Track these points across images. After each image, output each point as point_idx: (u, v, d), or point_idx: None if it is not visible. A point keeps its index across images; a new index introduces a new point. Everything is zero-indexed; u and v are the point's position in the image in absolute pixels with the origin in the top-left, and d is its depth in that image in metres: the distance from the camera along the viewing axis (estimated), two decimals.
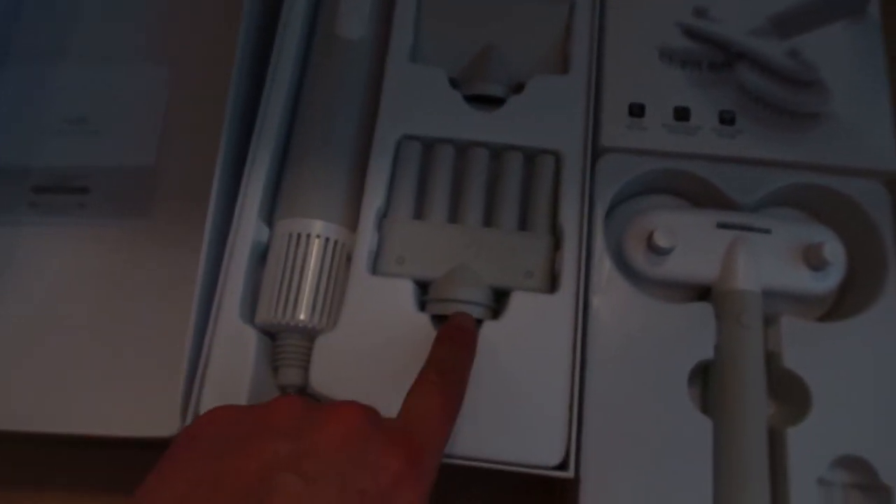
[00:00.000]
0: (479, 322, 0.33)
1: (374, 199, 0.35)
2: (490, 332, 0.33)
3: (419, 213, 0.36)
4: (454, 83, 0.39)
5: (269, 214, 0.37)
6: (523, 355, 0.33)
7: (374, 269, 0.35)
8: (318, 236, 0.35)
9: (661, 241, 0.34)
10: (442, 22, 0.40)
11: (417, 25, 0.40)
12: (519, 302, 0.33)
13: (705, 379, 0.33)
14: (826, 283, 0.34)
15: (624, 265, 0.35)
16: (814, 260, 0.34)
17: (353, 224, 0.36)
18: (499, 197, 0.36)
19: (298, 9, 0.40)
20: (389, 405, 0.26)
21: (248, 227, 0.35)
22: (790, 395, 0.33)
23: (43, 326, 0.40)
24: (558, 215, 0.35)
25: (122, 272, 0.41)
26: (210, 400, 0.32)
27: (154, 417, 0.34)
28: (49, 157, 0.43)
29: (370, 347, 0.33)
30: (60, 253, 0.41)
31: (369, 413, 0.25)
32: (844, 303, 0.35)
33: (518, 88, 0.38)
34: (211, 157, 0.38)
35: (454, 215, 0.36)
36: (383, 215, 0.36)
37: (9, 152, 0.43)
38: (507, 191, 0.36)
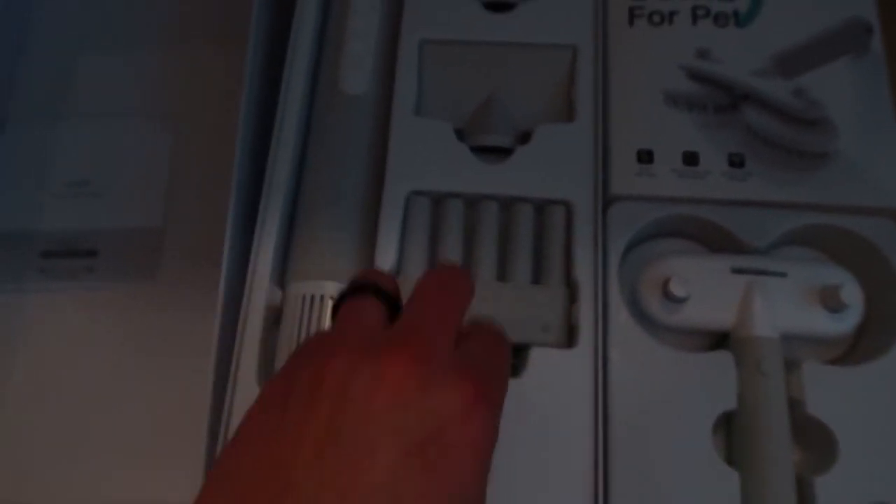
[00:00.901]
0: None
1: (385, 257, 0.35)
2: (510, 390, 0.32)
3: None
4: (460, 135, 0.38)
5: (281, 275, 0.37)
6: (545, 413, 0.32)
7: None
8: (331, 297, 0.35)
9: (676, 290, 0.34)
10: (445, 73, 0.40)
11: (420, 78, 0.40)
12: (538, 359, 0.33)
13: (729, 429, 0.33)
14: (844, 324, 0.34)
15: (640, 313, 0.35)
16: (831, 302, 0.33)
17: None
18: (511, 250, 0.36)
19: (300, 65, 0.40)
20: None
21: (260, 291, 0.35)
22: (815, 442, 0.32)
23: (54, 392, 0.39)
24: (572, 267, 0.35)
25: (133, 336, 0.40)
26: None
27: (171, 483, 0.34)
28: (55, 221, 0.43)
29: None
30: (70, 318, 0.41)
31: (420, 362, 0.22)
32: (863, 344, 0.35)
33: (525, 137, 0.38)
34: (219, 216, 0.37)
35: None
36: (396, 273, 0.36)
37: (14, 217, 0.43)
38: (520, 243, 0.36)
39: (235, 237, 0.37)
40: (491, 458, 0.23)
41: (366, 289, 0.26)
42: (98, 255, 0.42)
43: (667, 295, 0.34)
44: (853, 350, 0.35)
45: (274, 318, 0.36)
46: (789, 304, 0.34)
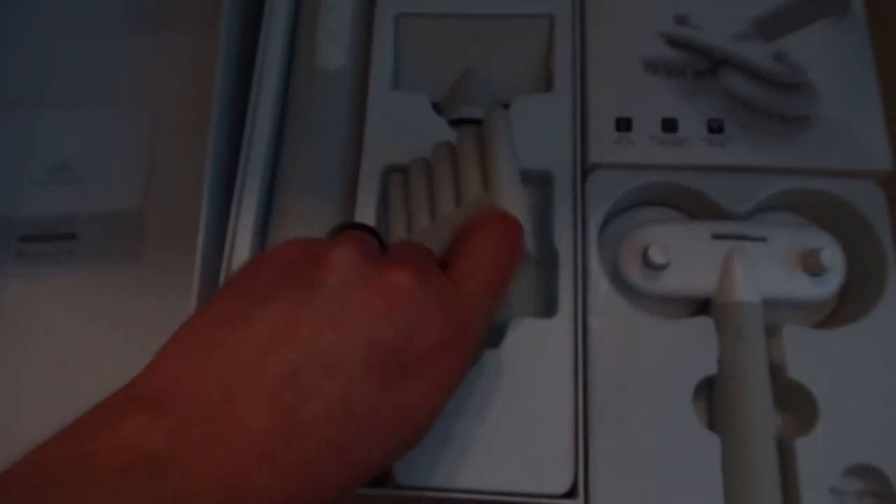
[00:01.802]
0: None
1: None
2: (490, 361, 0.32)
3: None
4: (438, 108, 0.38)
5: (260, 250, 0.37)
6: (525, 382, 0.32)
7: None
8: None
9: (656, 257, 0.33)
10: (421, 46, 0.40)
11: (397, 51, 0.39)
12: (517, 329, 0.33)
13: (711, 394, 0.33)
14: (826, 288, 0.34)
15: (621, 282, 0.35)
16: (812, 266, 0.33)
17: None
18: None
19: (275, 41, 0.40)
20: None
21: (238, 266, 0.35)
22: (797, 405, 0.32)
23: (35, 376, 0.39)
24: (552, 237, 0.34)
25: (113, 318, 0.40)
26: None
27: None
28: (34, 206, 0.42)
29: None
30: (51, 301, 0.41)
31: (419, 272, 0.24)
32: (845, 307, 0.35)
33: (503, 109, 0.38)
34: (197, 197, 0.37)
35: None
36: None
37: None
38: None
39: (212, 218, 0.37)
40: (451, 392, 0.25)
41: (357, 227, 0.27)
42: (77, 238, 0.41)
43: (647, 263, 0.34)
44: (836, 313, 0.35)
45: None
46: (770, 269, 0.34)
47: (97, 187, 0.43)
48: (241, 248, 0.35)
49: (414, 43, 0.40)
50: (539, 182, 0.36)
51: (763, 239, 0.34)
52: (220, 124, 0.38)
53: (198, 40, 0.44)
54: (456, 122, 0.38)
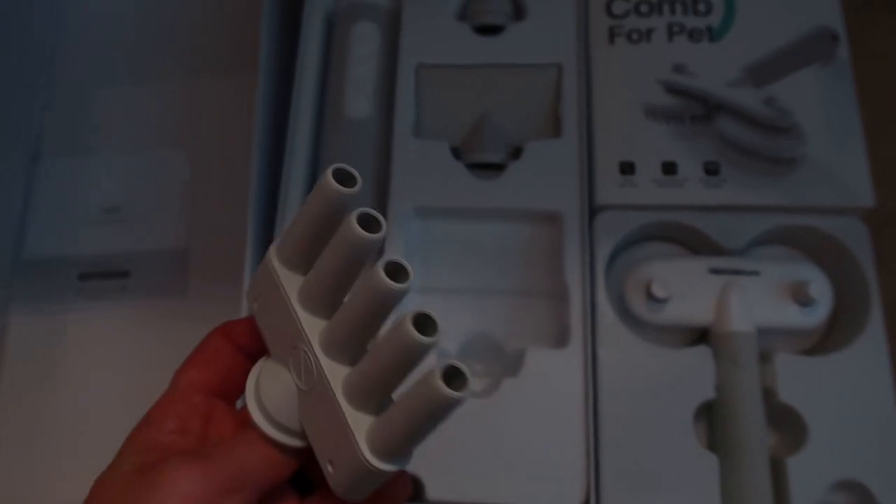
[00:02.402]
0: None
1: None
2: (509, 388, 0.36)
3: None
4: (456, 153, 0.42)
5: None
6: (541, 406, 0.36)
7: None
8: None
9: (658, 291, 0.37)
10: (440, 95, 0.43)
11: (418, 100, 0.43)
12: (533, 358, 0.36)
13: (709, 417, 0.36)
14: (814, 317, 0.37)
15: (626, 314, 0.38)
16: (802, 297, 0.36)
17: None
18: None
19: (307, 92, 0.43)
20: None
21: None
22: (788, 426, 0.35)
23: (92, 403, 0.43)
24: (563, 273, 0.38)
25: (164, 348, 0.44)
26: None
27: None
28: (91, 246, 0.47)
29: None
30: (106, 333, 0.45)
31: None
32: (833, 335, 0.38)
33: (516, 153, 0.41)
34: (237, 235, 0.41)
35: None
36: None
37: (53, 244, 0.47)
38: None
39: (254, 254, 0.41)
40: None
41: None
42: (130, 275, 0.46)
43: (650, 296, 0.37)
44: (825, 341, 0.38)
45: None
46: (763, 300, 0.37)
47: (147, 227, 0.47)
48: None
49: (434, 92, 0.43)
50: (549, 221, 0.40)
51: (756, 272, 0.37)
52: (259, 167, 0.42)
53: (237, 88, 0.47)
54: (473, 166, 0.41)
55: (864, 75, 0.40)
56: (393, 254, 0.39)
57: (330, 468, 0.22)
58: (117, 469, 0.24)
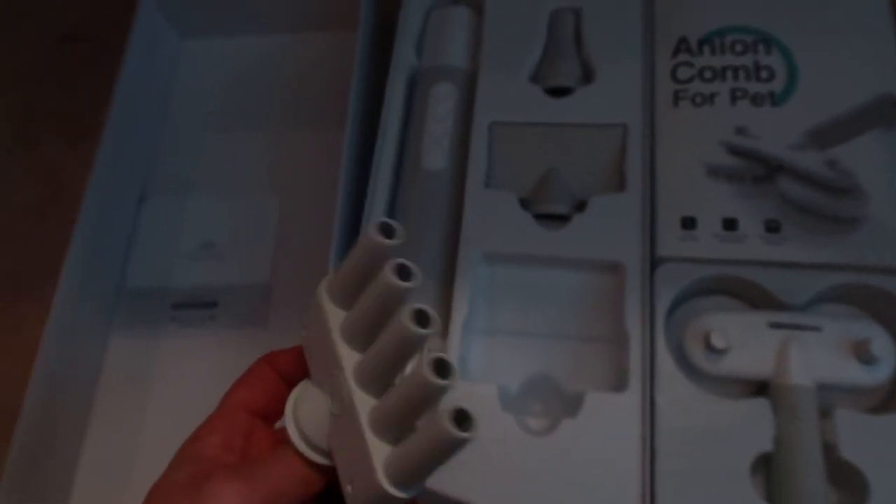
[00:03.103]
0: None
1: (460, 313, 0.41)
2: (568, 430, 0.37)
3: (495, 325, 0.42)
4: (524, 204, 0.44)
5: None
6: (598, 449, 0.37)
7: (463, 375, 0.40)
8: None
9: (717, 342, 0.38)
10: (511, 150, 0.46)
11: (490, 154, 0.46)
12: (592, 401, 0.38)
13: (767, 470, 0.37)
14: (878, 375, 0.37)
15: (685, 363, 0.39)
16: (863, 355, 0.37)
17: (442, 333, 0.41)
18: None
19: (389, 145, 0.47)
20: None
21: None
22: (849, 483, 0.35)
23: (183, 424, 0.47)
24: (624, 321, 0.39)
25: None
26: None
27: None
28: (185, 278, 0.51)
29: None
30: (196, 359, 0.49)
31: None
32: None
33: (581, 206, 0.43)
34: (318, 273, 0.44)
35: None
36: (468, 326, 0.41)
37: (153, 275, 0.52)
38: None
39: None
40: None
41: None
42: (218, 305, 0.50)
43: (709, 346, 0.38)
44: (891, 400, 0.38)
45: None
46: (823, 356, 0.37)
47: (236, 262, 0.51)
48: None
49: (505, 147, 0.46)
50: (612, 271, 0.41)
51: (817, 328, 0.38)
52: (342, 212, 0.46)
53: (327, 140, 0.52)
54: (540, 217, 0.44)
55: None
56: (462, 297, 0.42)
57: (349, 489, 0.25)
58: (170, 478, 0.28)
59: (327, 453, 0.26)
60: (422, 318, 0.23)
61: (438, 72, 0.49)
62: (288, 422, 0.28)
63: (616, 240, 0.42)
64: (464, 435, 0.21)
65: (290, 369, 0.31)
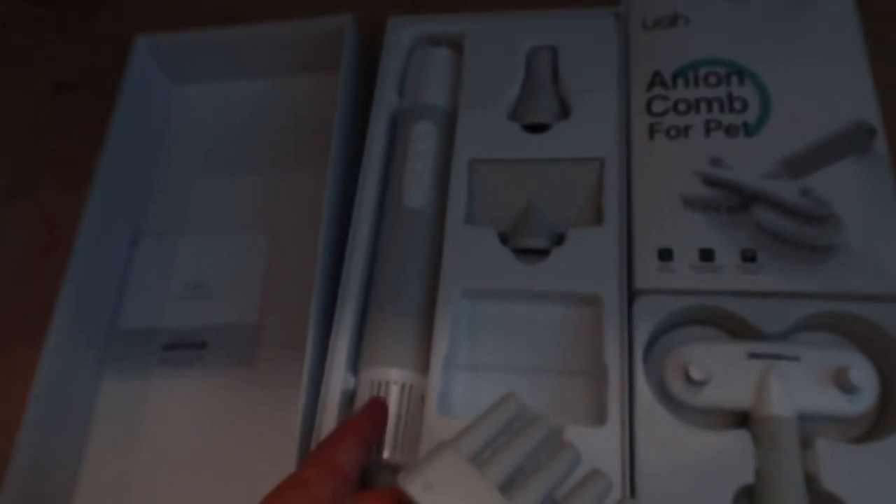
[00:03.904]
0: None
1: (440, 348, 0.41)
2: None
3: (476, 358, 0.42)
4: (503, 239, 0.45)
5: (355, 363, 0.44)
6: None
7: (444, 410, 0.40)
8: (395, 382, 0.41)
9: (695, 374, 0.38)
10: (490, 186, 0.47)
11: (470, 191, 0.47)
12: (571, 435, 0.37)
13: (751, 501, 0.36)
14: (859, 404, 0.37)
15: (664, 396, 0.39)
16: (843, 383, 0.37)
17: (424, 368, 0.42)
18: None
19: (371, 184, 0.48)
20: None
21: (337, 378, 0.42)
22: None
23: (172, 463, 0.47)
24: (603, 354, 0.40)
25: (235, 415, 0.48)
26: None
27: None
28: (174, 319, 0.52)
29: None
30: (185, 400, 0.49)
31: None
32: (881, 423, 0.37)
33: (559, 240, 0.44)
34: (304, 313, 0.45)
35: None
36: (449, 361, 0.42)
37: (145, 317, 0.52)
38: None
39: (317, 331, 0.44)
40: None
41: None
42: (207, 346, 0.50)
43: (688, 378, 0.38)
44: (874, 429, 0.38)
45: (349, 399, 0.43)
46: (803, 386, 0.37)
47: (224, 303, 0.52)
48: (339, 360, 0.43)
49: (484, 183, 0.47)
50: (591, 304, 0.42)
51: (796, 358, 0.38)
52: (325, 250, 0.46)
53: (312, 180, 0.53)
54: (519, 251, 0.44)
55: None
56: (442, 332, 0.42)
57: None
58: None
59: None
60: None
61: (419, 111, 0.50)
62: None
63: (594, 273, 0.42)
64: None
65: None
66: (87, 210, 0.50)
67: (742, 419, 0.38)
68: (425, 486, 0.31)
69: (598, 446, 0.37)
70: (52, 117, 0.64)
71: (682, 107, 0.46)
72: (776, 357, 0.38)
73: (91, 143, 0.53)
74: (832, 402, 0.37)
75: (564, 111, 0.48)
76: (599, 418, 0.39)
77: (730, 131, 0.44)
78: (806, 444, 0.36)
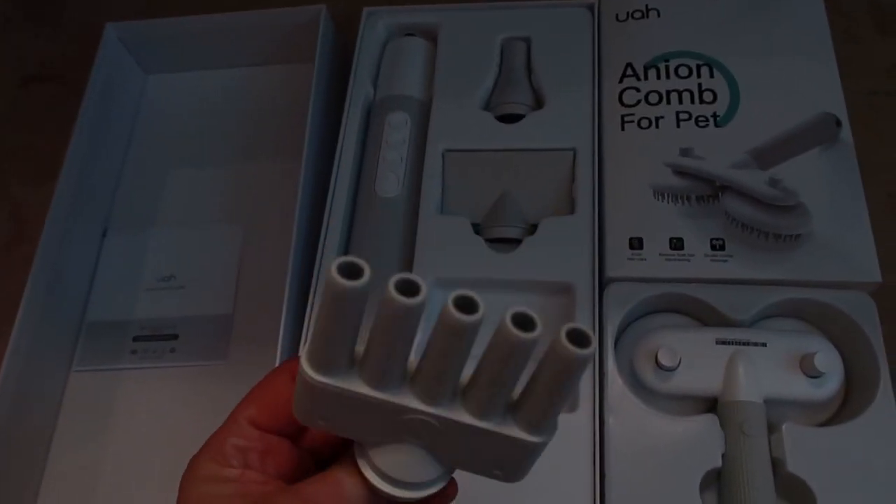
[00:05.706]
0: None
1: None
2: None
3: None
4: (477, 228, 0.45)
5: None
6: (549, 470, 0.37)
7: None
8: None
9: (665, 360, 0.38)
10: (464, 176, 0.47)
11: (443, 181, 0.47)
12: None
13: (717, 485, 0.37)
14: (824, 389, 0.37)
15: (635, 382, 0.39)
16: (809, 369, 0.37)
17: None
18: None
19: (344, 174, 0.48)
20: None
21: None
22: (796, 497, 0.35)
23: (143, 454, 0.47)
24: None
25: (206, 407, 0.47)
26: None
27: None
28: (145, 311, 0.51)
29: None
30: (156, 391, 0.49)
31: None
32: (845, 407, 0.38)
33: (532, 229, 0.44)
34: (277, 304, 0.45)
35: None
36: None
37: (115, 309, 0.51)
38: None
39: (290, 322, 0.44)
40: None
41: None
42: (179, 338, 0.50)
43: (658, 365, 0.38)
44: (838, 414, 0.39)
45: None
46: (771, 371, 0.38)
47: (196, 294, 0.51)
48: None
49: (457, 173, 0.47)
50: (562, 292, 0.42)
51: (763, 344, 0.38)
52: (299, 240, 0.46)
53: (286, 169, 0.52)
54: (492, 241, 0.44)
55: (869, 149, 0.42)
56: None
57: (498, 472, 0.26)
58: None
59: (427, 483, 0.26)
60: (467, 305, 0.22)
61: (393, 101, 0.50)
62: (383, 486, 0.27)
63: (566, 261, 0.42)
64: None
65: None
66: (54, 201, 0.49)
67: (711, 405, 0.38)
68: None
69: (570, 433, 0.37)
70: (21, 111, 0.63)
71: (653, 98, 0.46)
72: (744, 343, 0.39)
73: (61, 135, 0.53)
74: (798, 388, 0.37)
75: (538, 102, 0.48)
76: (571, 405, 0.39)
77: (700, 122, 0.45)
78: (772, 428, 0.37)
